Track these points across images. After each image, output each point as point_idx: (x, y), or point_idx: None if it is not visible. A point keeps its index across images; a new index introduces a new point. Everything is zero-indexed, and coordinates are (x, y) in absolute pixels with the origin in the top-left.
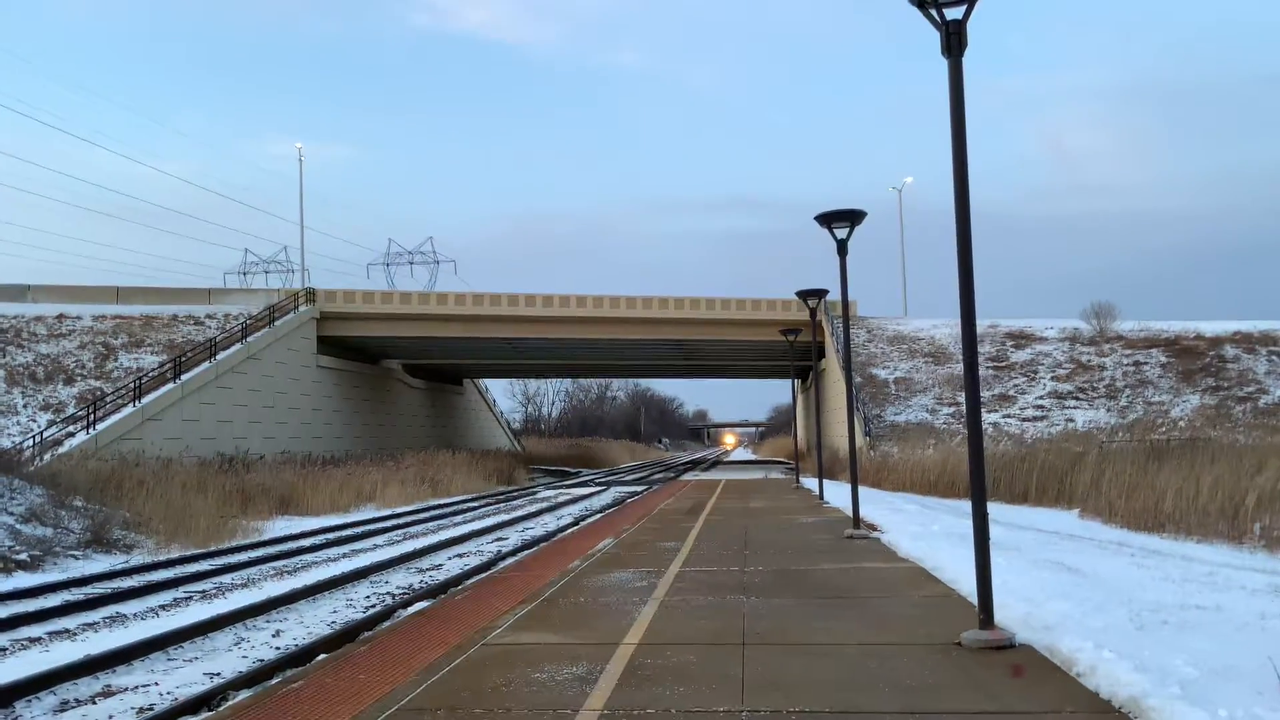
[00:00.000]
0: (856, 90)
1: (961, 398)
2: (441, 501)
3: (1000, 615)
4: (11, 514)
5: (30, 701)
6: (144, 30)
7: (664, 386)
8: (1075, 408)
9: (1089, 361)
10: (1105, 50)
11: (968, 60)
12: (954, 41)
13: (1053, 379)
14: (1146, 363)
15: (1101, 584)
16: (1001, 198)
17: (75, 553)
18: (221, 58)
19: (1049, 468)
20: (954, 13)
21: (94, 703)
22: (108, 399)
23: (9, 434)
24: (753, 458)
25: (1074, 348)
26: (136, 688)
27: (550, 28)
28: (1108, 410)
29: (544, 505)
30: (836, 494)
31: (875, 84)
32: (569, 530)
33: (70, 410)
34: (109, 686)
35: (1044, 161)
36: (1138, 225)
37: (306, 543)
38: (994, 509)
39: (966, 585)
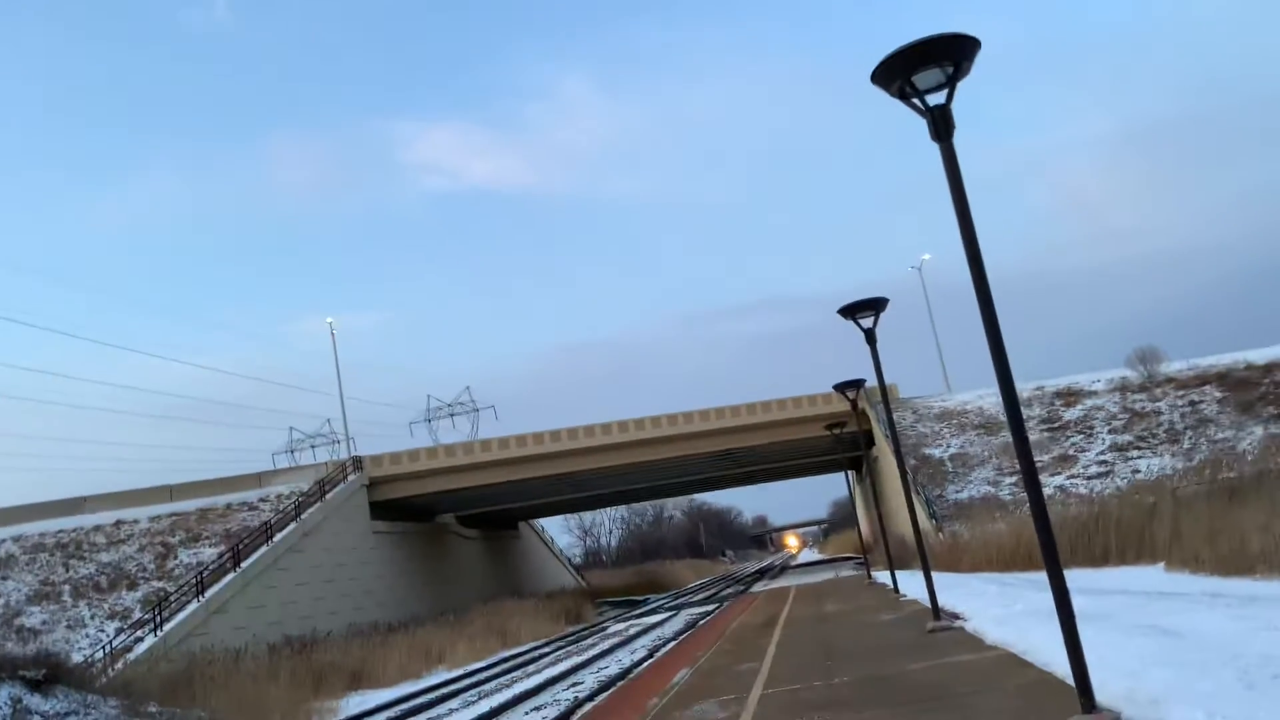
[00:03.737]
0: (862, 178)
1: None
2: (513, 652)
3: (1102, 694)
4: None
5: None
6: (169, 233)
7: (719, 498)
8: (1139, 458)
9: (1143, 409)
10: (1099, 98)
11: (963, 134)
12: (941, 126)
13: (1110, 432)
14: (1202, 401)
15: (1202, 643)
16: (1022, 256)
17: None
18: (246, 250)
19: (1124, 523)
20: (936, 98)
21: None
22: (171, 598)
23: (79, 648)
24: (819, 557)
25: (1125, 397)
26: None
27: (554, 170)
28: (1172, 455)
29: (616, 640)
30: (912, 584)
31: (879, 169)
32: (644, 664)
33: (136, 615)
34: None
35: (1060, 214)
36: (1165, 264)
37: (381, 717)
38: (1075, 575)
39: (1061, 666)
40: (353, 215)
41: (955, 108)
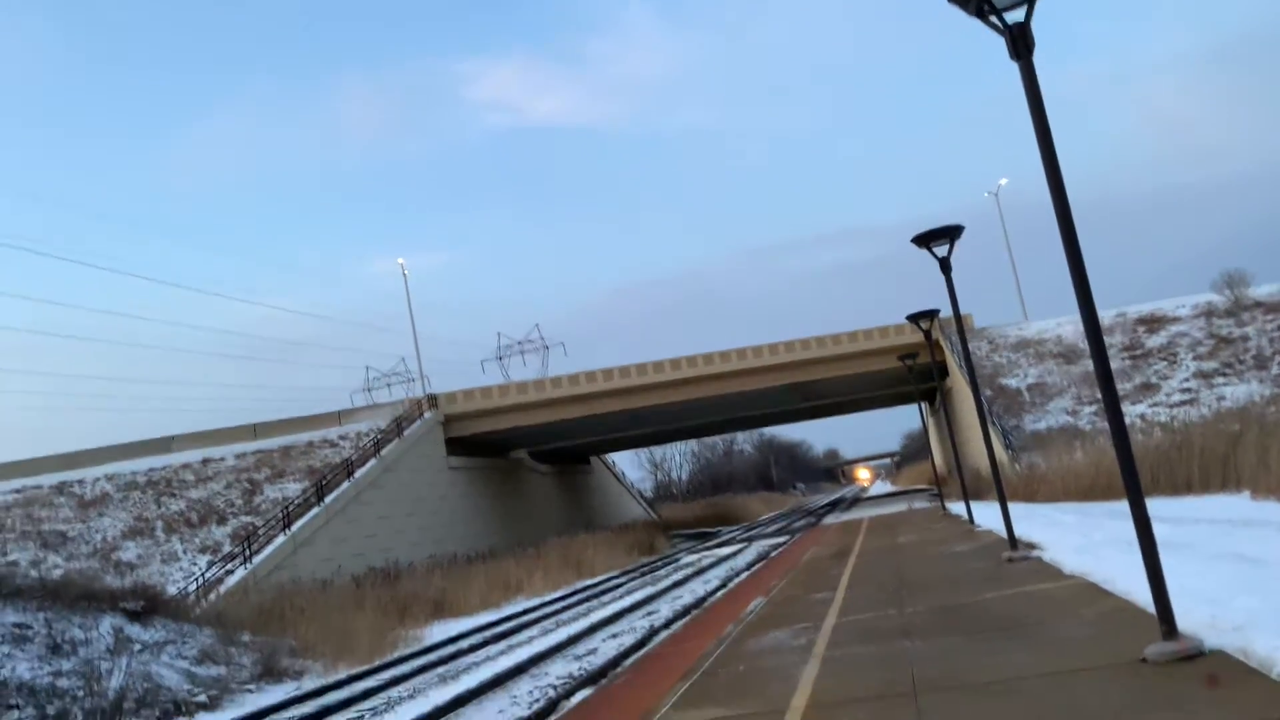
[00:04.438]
0: (940, 102)
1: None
2: (588, 582)
3: (1183, 622)
4: (186, 658)
5: None
6: (241, 176)
7: (790, 431)
8: (1224, 385)
9: (1230, 334)
10: (1181, 12)
11: (1041, 54)
12: (1020, 44)
13: (1194, 359)
14: None
15: None
16: (1102, 179)
17: (249, 686)
18: (317, 191)
19: (1208, 451)
20: (1015, 15)
21: None
22: (259, 532)
23: (173, 580)
24: (892, 489)
25: (1211, 322)
26: None
27: (617, 104)
28: (1260, 381)
29: (689, 571)
30: (987, 515)
31: (957, 91)
32: (718, 594)
33: (226, 548)
34: None
35: (1141, 134)
36: (1253, 184)
37: (465, 644)
38: (1157, 504)
39: (1141, 595)
40: (419, 155)
41: (1033, 24)
